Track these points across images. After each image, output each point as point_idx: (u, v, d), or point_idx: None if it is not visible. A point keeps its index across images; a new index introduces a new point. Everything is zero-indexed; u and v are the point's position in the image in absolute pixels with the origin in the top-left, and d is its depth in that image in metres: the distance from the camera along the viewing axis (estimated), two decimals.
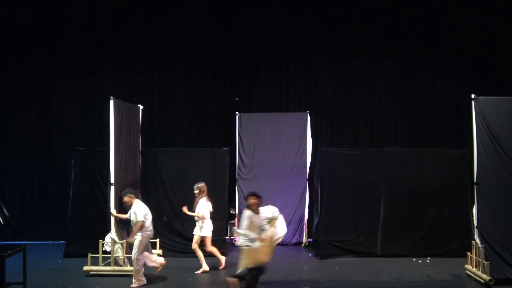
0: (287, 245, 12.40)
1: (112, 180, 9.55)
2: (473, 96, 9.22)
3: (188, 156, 11.85)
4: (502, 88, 12.72)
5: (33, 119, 13.67)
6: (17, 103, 13.61)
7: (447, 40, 13.79)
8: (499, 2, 13.56)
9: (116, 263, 9.61)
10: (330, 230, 11.07)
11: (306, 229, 12.53)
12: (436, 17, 13.84)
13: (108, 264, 9.64)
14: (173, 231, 11.38)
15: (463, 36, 13.72)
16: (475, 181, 9.17)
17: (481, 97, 9.22)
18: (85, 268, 9.66)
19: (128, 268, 9.45)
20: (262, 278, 9.16)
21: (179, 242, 11.30)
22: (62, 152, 13.30)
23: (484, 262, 8.87)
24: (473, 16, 13.68)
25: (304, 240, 12.50)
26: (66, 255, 11.07)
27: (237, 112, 13.14)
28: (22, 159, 13.49)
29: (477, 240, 9.13)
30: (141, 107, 11.45)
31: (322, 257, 10.91)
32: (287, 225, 12.32)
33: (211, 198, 10.12)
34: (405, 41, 13.91)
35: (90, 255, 9.70)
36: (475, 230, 9.20)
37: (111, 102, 9.63)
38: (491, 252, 8.88)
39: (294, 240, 12.52)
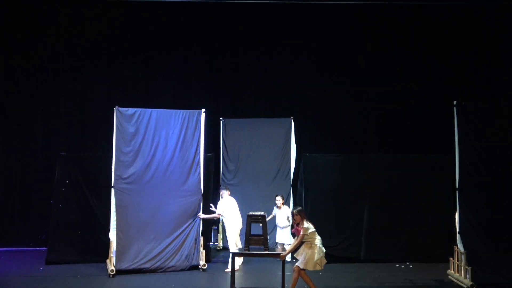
0: None
1: (112, 183, 9.94)
2: (455, 102, 9.29)
3: None
4: (484, 95, 12.90)
5: (16, 122, 13.52)
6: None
7: (431, 47, 13.93)
8: (483, 12, 13.73)
9: None
10: None
11: (290, 235, 12.48)
12: (422, 25, 14.00)
13: None
14: None
15: (447, 43, 13.89)
16: (457, 187, 9.25)
17: (463, 103, 9.30)
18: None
19: None
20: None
21: None
22: (46, 157, 13.17)
23: (466, 267, 8.93)
24: (458, 24, 13.86)
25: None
26: (48, 262, 10.73)
27: (221, 118, 13.12)
28: (4, 162, 13.31)
29: (459, 246, 9.20)
30: (203, 111, 10.54)
31: None
32: (272, 231, 12.46)
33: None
34: (390, 48, 14.06)
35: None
36: (457, 235, 9.27)
37: (115, 111, 9.98)
38: (472, 257, 8.93)
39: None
